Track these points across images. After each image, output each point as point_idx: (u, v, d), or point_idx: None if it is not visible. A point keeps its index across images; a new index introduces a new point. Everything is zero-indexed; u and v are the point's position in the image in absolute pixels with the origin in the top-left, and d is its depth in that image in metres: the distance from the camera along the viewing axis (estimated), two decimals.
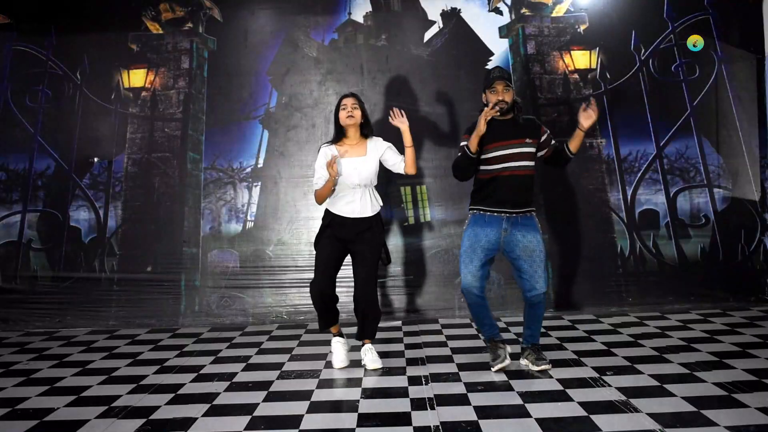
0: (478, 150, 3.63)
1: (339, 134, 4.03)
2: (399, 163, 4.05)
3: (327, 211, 4.02)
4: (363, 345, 4.02)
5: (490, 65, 5.67)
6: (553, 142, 3.83)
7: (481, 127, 3.54)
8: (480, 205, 3.76)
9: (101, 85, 5.76)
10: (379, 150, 4.03)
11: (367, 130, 4.05)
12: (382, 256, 4.06)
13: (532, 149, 3.74)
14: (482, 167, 3.75)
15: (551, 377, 3.61)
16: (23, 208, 5.74)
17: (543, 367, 3.71)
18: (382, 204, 4.10)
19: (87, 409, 3.34)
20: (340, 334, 4.09)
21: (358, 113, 3.97)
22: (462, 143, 3.73)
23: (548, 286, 3.72)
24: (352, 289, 4.02)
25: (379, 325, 5.14)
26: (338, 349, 4.04)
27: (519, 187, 3.69)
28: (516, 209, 3.69)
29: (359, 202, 3.94)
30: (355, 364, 4.04)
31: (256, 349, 4.54)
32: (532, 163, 3.74)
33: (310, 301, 5.38)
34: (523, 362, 3.81)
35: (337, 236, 3.96)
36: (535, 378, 3.61)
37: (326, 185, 3.90)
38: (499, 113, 3.62)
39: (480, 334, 3.87)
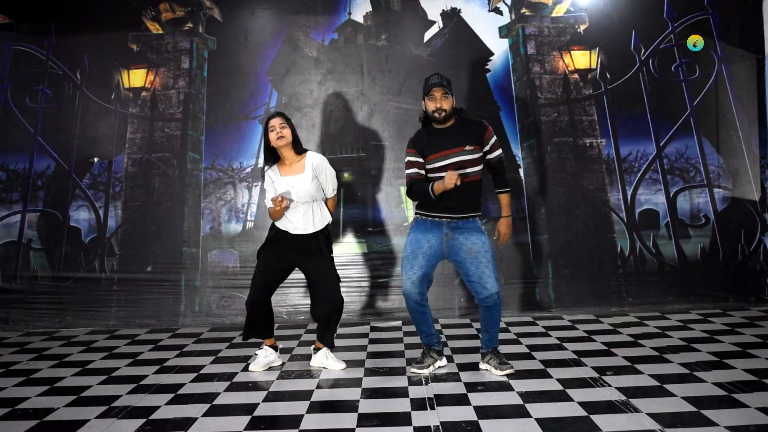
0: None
1: (274, 155, 4.00)
2: (328, 193, 4.05)
3: (272, 224, 4.03)
4: (318, 350, 4.05)
5: (490, 65, 5.68)
6: (495, 154, 3.72)
7: (448, 185, 3.47)
8: (423, 210, 3.73)
9: (101, 85, 5.76)
10: (316, 170, 3.96)
11: (298, 146, 3.99)
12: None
13: (475, 155, 3.66)
14: (430, 175, 3.70)
15: (551, 377, 3.61)
16: (23, 208, 5.74)
17: (507, 371, 3.66)
18: (330, 219, 4.06)
19: (87, 409, 3.34)
20: (275, 347, 4.13)
21: (287, 132, 3.91)
22: (411, 158, 3.72)
23: (500, 287, 3.67)
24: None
25: (380, 326, 5.17)
26: (264, 356, 4.05)
27: (462, 195, 3.61)
28: (458, 215, 3.66)
29: (301, 219, 3.92)
30: (357, 364, 4.05)
31: (256, 349, 4.53)
32: (476, 169, 3.67)
33: (306, 301, 5.40)
34: (484, 367, 3.77)
35: (281, 251, 3.97)
36: (535, 378, 3.61)
37: (271, 211, 3.96)
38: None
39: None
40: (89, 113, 5.77)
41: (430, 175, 3.69)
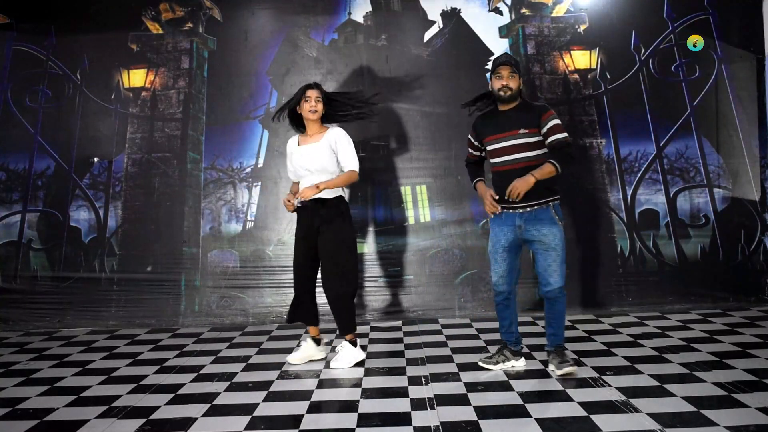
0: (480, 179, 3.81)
1: (297, 122, 4.02)
2: (345, 165, 4.01)
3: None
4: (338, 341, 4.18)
5: (490, 65, 5.66)
6: (557, 137, 3.54)
7: (486, 209, 3.66)
8: (499, 202, 3.67)
9: (101, 85, 5.76)
10: (332, 143, 3.97)
11: (324, 120, 4.05)
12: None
13: (531, 139, 3.56)
14: (490, 160, 3.73)
15: (551, 377, 3.61)
16: (23, 208, 5.74)
17: (565, 370, 3.57)
18: (343, 195, 4.03)
19: (87, 409, 3.34)
20: (317, 341, 4.14)
21: (321, 107, 3.95)
22: (469, 137, 3.84)
23: (564, 282, 3.65)
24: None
25: (380, 326, 5.17)
26: (306, 348, 4.08)
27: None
28: (530, 203, 3.55)
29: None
30: (357, 363, 4.04)
31: (256, 349, 4.54)
32: (533, 154, 3.56)
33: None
34: (550, 367, 3.71)
35: (304, 228, 3.97)
36: (535, 378, 3.61)
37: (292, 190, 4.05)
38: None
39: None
40: (89, 113, 5.77)
41: (491, 159, 3.71)
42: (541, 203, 3.59)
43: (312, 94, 3.93)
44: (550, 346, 3.74)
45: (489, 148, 3.68)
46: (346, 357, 3.98)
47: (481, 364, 3.78)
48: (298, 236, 4.03)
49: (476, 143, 3.82)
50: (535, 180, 3.46)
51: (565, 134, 3.57)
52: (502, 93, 3.59)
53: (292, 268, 4.12)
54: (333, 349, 4.22)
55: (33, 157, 5.75)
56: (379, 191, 5.61)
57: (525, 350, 4.01)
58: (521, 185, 3.46)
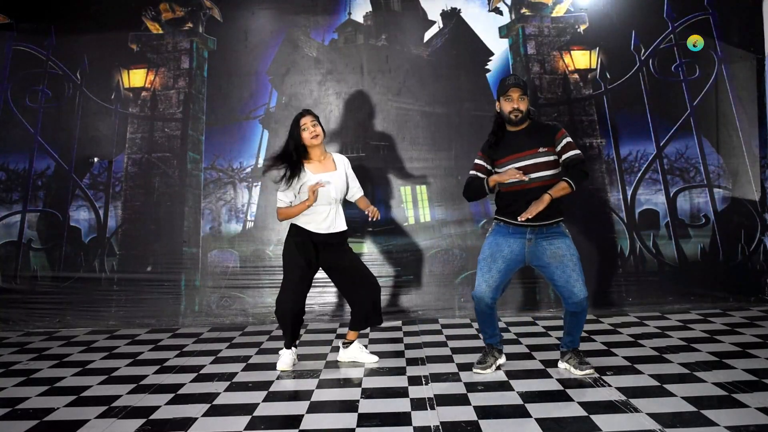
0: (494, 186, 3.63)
1: (301, 153, 3.90)
2: (356, 192, 4.08)
3: (297, 227, 3.93)
4: (351, 342, 4.09)
5: (490, 65, 5.68)
6: (571, 153, 3.55)
7: (506, 178, 3.50)
8: (503, 216, 3.64)
9: (101, 85, 5.76)
10: (345, 167, 4.03)
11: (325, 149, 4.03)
12: None
13: (549, 158, 3.56)
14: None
15: (551, 377, 3.61)
16: (23, 208, 5.74)
17: (587, 371, 3.58)
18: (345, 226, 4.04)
19: (87, 409, 3.34)
20: (295, 345, 4.10)
21: (320, 130, 3.89)
22: (477, 162, 3.70)
23: (587, 292, 3.55)
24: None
25: (380, 325, 5.16)
26: (289, 354, 4.00)
27: (534, 200, 3.48)
28: (541, 222, 3.54)
29: (334, 217, 3.92)
30: (355, 364, 4.05)
31: (256, 349, 4.54)
32: (551, 173, 3.56)
33: (310, 301, 5.36)
34: (563, 366, 3.72)
35: (312, 253, 3.92)
36: (535, 378, 3.61)
37: (299, 208, 3.84)
38: (517, 123, 3.55)
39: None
40: (89, 113, 5.77)
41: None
42: (550, 223, 3.58)
43: (307, 121, 3.87)
44: (566, 347, 3.74)
45: (502, 170, 3.60)
46: (368, 353, 4.11)
47: (477, 371, 3.72)
48: (306, 254, 3.91)
49: (489, 167, 3.69)
50: (551, 199, 3.47)
51: (578, 151, 3.60)
52: (513, 116, 3.55)
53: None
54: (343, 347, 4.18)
55: (33, 157, 5.75)
56: (379, 191, 5.61)
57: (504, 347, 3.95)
58: (538, 206, 3.45)
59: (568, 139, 3.59)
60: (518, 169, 3.52)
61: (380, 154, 5.63)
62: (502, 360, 3.80)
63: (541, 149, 3.55)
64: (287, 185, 3.86)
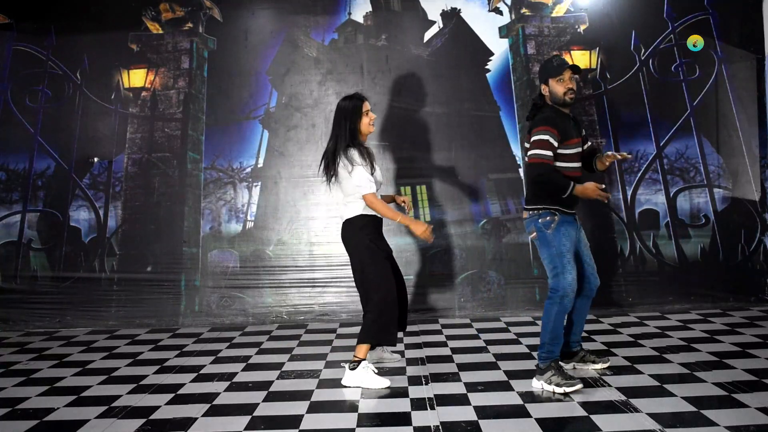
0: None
1: (356, 138, 3.72)
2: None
3: (371, 216, 3.75)
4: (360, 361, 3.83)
5: (490, 65, 5.68)
6: (589, 142, 3.76)
7: (588, 194, 3.40)
8: (563, 207, 3.50)
9: (101, 85, 5.76)
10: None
11: None
12: None
13: (581, 149, 3.63)
14: (560, 164, 3.47)
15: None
16: (23, 208, 5.74)
17: (607, 363, 3.74)
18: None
19: (87, 409, 3.34)
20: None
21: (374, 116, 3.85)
22: (548, 138, 3.36)
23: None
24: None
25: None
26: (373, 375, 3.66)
27: None
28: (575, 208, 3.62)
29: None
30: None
31: (256, 349, 4.54)
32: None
33: (310, 301, 5.38)
34: (585, 366, 3.70)
35: (384, 241, 3.89)
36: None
37: (396, 216, 3.71)
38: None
39: (545, 351, 3.47)
40: (89, 113, 5.77)
41: (563, 163, 3.47)
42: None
43: (368, 107, 3.76)
44: (579, 346, 3.78)
45: (570, 151, 3.47)
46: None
47: (567, 390, 3.32)
48: (381, 246, 3.82)
49: (554, 143, 3.41)
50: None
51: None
52: (568, 98, 3.45)
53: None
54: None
55: (33, 157, 5.75)
56: (379, 191, 5.60)
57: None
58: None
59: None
60: (576, 155, 3.53)
61: (380, 154, 5.63)
62: (601, 365, 3.72)
63: (579, 140, 3.58)
64: (364, 160, 3.66)
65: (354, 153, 3.65)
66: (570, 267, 3.45)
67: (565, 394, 3.29)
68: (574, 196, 3.41)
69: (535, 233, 3.56)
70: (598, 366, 3.71)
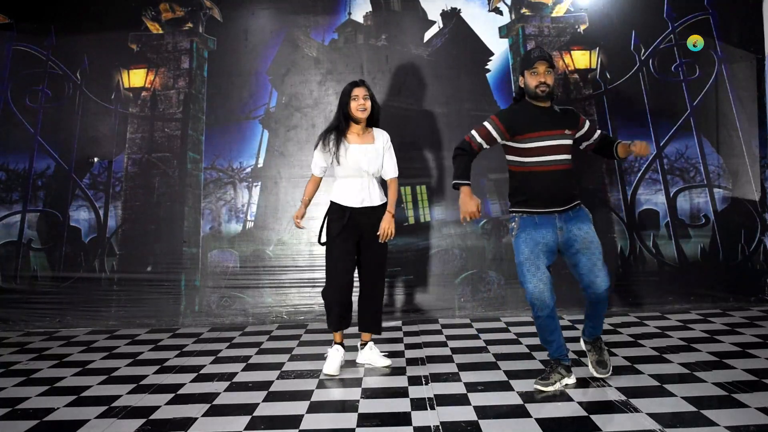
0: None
1: (345, 123, 3.89)
2: (389, 172, 4.00)
3: (336, 204, 3.88)
4: (366, 343, 4.04)
5: (490, 65, 5.68)
6: (598, 131, 3.61)
7: (463, 208, 3.38)
8: (526, 207, 3.41)
9: (101, 85, 5.76)
10: (384, 143, 3.98)
11: (374, 119, 3.98)
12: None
13: (570, 141, 3.45)
14: (519, 159, 3.40)
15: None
16: (23, 208, 5.74)
17: (602, 375, 3.51)
18: (385, 199, 3.98)
19: (87, 409, 3.34)
20: (342, 344, 3.98)
21: (369, 104, 3.86)
22: (487, 126, 3.38)
23: (610, 282, 3.43)
24: (355, 290, 3.98)
25: (378, 335, 5.16)
26: (337, 356, 3.89)
27: (562, 183, 3.37)
28: (564, 206, 3.39)
29: (369, 190, 3.87)
30: (355, 364, 4.05)
31: (256, 349, 4.54)
32: (569, 157, 3.43)
33: (310, 301, 5.37)
34: (588, 365, 3.60)
35: (351, 231, 3.82)
36: (535, 378, 3.60)
37: (302, 206, 4.02)
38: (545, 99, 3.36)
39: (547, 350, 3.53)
40: (89, 113, 5.77)
41: (520, 158, 3.39)
42: (574, 205, 3.45)
43: (360, 92, 3.84)
44: (589, 337, 3.63)
45: (527, 145, 3.35)
46: (382, 355, 4.04)
47: (538, 387, 3.40)
48: (340, 239, 3.83)
49: (497, 136, 3.39)
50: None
51: (599, 130, 3.68)
52: (539, 91, 3.35)
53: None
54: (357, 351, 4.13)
55: (33, 157, 5.75)
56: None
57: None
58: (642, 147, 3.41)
59: (588, 122, 3.61)
60: (542, 148, 3.34)
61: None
62: (570, 380, 3.45)
63: (567, 131, 3.43)
64: (324, 147, 3.89)
65: (322, 136, 3.93)
66: (529, 276, 3.34)
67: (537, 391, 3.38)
68: (549, 189, 3.34)
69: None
70: (593, 374, 3.55)
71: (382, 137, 3.99)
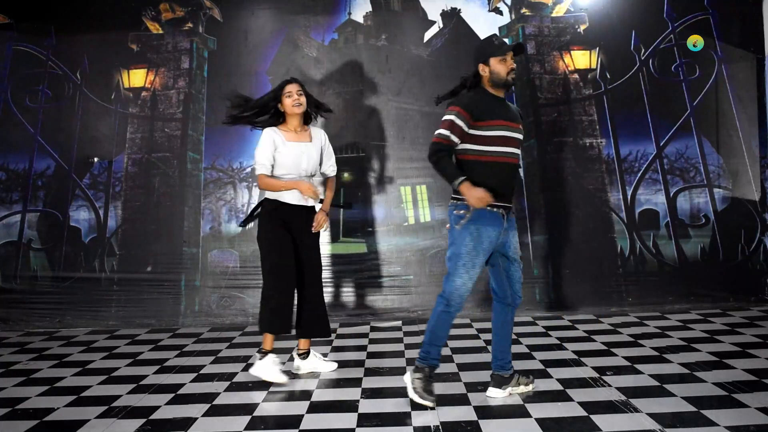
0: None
1: (278, 119, 3.86)
2: (328, 168, 3.94)
3: (269, 200, 3.76)
4: (306, 352, 3.85)
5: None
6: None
7: (473, 200, 3.03)
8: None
9: (101, 85, 5.76)
10: (322, 141, 3.92)
11: (308, 117, 3.93)
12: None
13: (521, 137, 3.30)
14: (477, 147, 3.16)
15: (551, 377, 3.61)
16: (23, 208, 5.74)
17: (530, 387, 3.38)
18: (323, 197, 3.91)
19: (87, 409, 3.34)
20: (272, 351, 3.79)
21: (304, 100, 3.83)
22: (453, 119, 3.11)
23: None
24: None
25: (380, 325, 5.17)
26: (274, 367, 3.71)
27: (513, 178, 3.26)
28: (509, 204, 3.24)
29: None
30: (357, 363, 4.05)
31: (256, 349, 4.53)
32: (519, 153, 3.32)
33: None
34: (512, 390, 3.32)
35: (285, 228, 3.72)
36: (535, 378, 3.59)
37: (287, 185, 3.70)
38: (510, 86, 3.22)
39: (423, 351, 3.34)
40: (89, 113, 5.77)
41: (480, 147, 3.16)
42: (512, 207, 3.30)
43: (293, 88, 3.81)
44: (510, 369, 3.34)
45: (489, 133, 3.14)
46: (326, 361, 3.89)
47: (426, 403, 3.19)
48: (278, 235, 3.70)
49: (463, 126, 3.13)
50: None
51: None
52: (510, 78, 3.21)
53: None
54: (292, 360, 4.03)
55: (33, 157, 5.75)
56: (379, 191, 5.62)
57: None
58: None
59: None
60: (503, 138, 3.16)
61: (380, 154, 5.63)
62: (523, 388, 3.35)
63: (521, 126, 3.29)
64: (240, 111, 3.88)
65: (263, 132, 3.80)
66: (463, 271, 3.13)
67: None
68: (504, 182, 3.17)
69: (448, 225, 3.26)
70: (522, 389, 3.34)
71: (320, 135, 3.93)
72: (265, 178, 3.74)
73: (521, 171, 5.58)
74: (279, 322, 3.70)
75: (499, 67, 3.20)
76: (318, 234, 3.88)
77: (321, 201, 3.90)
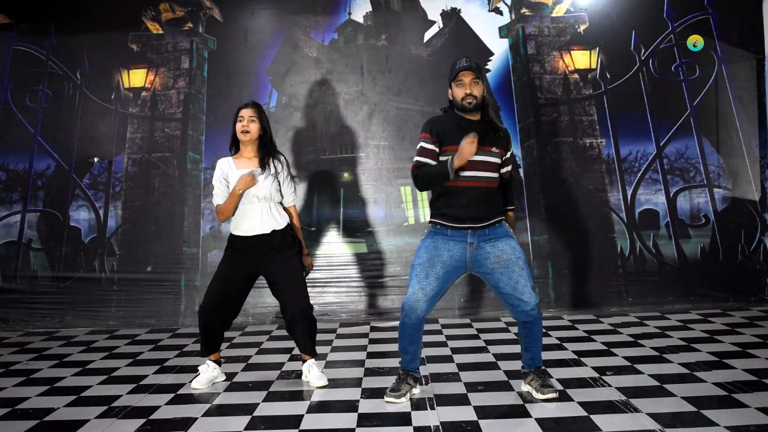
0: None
1: (235, 146, 3.70)
2: (287, 200, 3.76)
3: (230, 235, 3.69)
4: (304, 362, 3.72)
5: (490, 65, 5.68)
6: (507, 168, 3.38)
7: (465, 155, 3.05)
8: (440, 219, 3.26)
9: (101, 85, 5.76)
10: (278, 169, 3.70)
11: (265, 147, 3.68)
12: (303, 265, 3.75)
13: (498, 160, 3.25)
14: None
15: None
16: (23, 208, 5.74)
17: (549, 395, 3.22)
18: (288, 221, 3.73)
19: (87, 409, 3.34)
20: (218, 362, 3.78)
21: (255, 127, 3.61)
22: (425, 145, 3.25)
23: (538, 298, 3.28)
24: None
25: (380, 326, 5.17)
26: (207, 372, 3.70)
27: (483, 202, 3.22)
28: (484, 223, 3.22)
29: (258, 218, 3.59)
30: (357, 364, 4.04)
31: (256, 349, 4.54)
32: (495, 175, 3.26)
33: (310, 301, 5.35)
34: (525, 388, 3.36)
35: (241, 257, 3.63)
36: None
37: (230, 200, 3.58)
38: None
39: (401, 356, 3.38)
40: (89, 113, 5.77)
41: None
42: (492, 223, 3.24)
43: (245, 113, 3.61)
44: (528, 367, 3.36)
45: (450, 157, 3.15)
46: (319, 373, 3.73)
47: (389, 400, 3.27)
48: (233, 256, 3.65)
49: (435, 149, 3.24)
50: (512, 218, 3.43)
51: (511, 166, 3.44)
52: (466, 103, 3.20)
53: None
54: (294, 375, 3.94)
55: (33, 157, 5.75)
56: (379, 191, 5.61)
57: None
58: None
59: (513, 150, 3.40)
60: (474, 162, 3.13)
61: (380, 154, 5.63)
62: (417, 390, 3.37)
63: (495, 149, 3.23)
64: (221, 178, 3.66)
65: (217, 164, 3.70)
66: (415, 281, 3.19)
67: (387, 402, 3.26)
68: (473, 206, 3.18)
69: None
70: (538, 396, 3.26)
71: (275, 164, 3.69)
72: (219, 208, 3.67)
73: (521, 171, 5.58)
74: (202, 347, 3.74)
75: (456, 90, 3.25)
76: (292, 252, 3.69)
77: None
